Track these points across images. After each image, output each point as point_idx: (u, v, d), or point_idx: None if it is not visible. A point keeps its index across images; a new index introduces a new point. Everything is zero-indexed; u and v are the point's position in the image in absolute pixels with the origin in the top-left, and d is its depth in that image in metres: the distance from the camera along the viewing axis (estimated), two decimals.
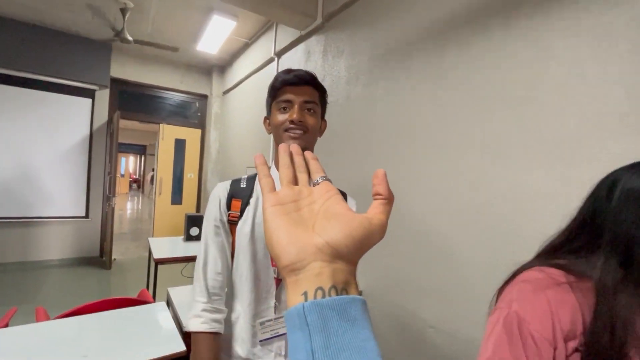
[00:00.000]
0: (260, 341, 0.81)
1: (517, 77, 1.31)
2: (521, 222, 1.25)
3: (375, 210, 0.29)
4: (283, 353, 0.83)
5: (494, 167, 1.37)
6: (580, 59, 1.12)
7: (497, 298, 0.60)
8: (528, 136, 1.26)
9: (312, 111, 0.83)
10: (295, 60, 3.07)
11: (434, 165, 1.64)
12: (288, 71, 0.83)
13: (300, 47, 3.00)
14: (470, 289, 1.42)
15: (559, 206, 1.14)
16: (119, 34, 3.31)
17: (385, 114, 1.98)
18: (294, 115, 0.79)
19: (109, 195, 4.41)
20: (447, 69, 1.61)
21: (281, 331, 0.83)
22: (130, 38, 3.34)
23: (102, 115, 4.62)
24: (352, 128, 2.24)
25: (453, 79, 1.58)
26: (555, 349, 0.50)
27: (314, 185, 0.32)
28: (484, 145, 1.42)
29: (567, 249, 0.59)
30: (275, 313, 0.83)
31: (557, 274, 0.55)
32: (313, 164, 0.34)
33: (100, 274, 4.12)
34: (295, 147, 0.35)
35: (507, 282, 0.60)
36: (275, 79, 0.83)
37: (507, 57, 1.35)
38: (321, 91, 0.87)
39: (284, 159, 0.33)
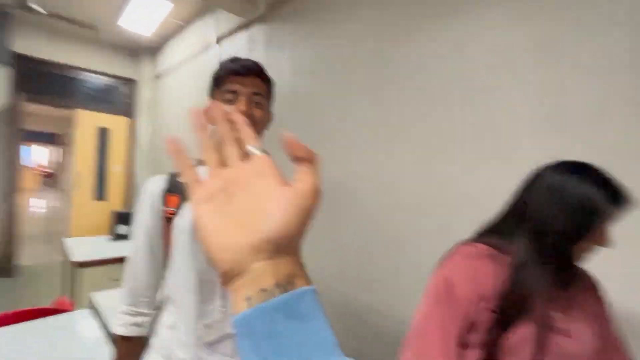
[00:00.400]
0: (206, 343, 0.77)
1: (452, 78, 1.43)
2: (458, 214, 1.38)
3: (302, 176, 0.26)
4: (231, 354, 0.79)
5: (431, 163, 1.49)
6: (511, 63, 1.27)
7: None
8: (463, 135, 1.39)
9: (259, 104, 0.79)
10: (237, 48, 2.95)
11: (378, 161, 1.72)
12: (234, 60, 0.78)
13: (243, 35, 2.88)
14: (417, 278, 1.54)
15: (491, 199, 1.28)
16: (22, 1, 2.78)
17: (329, 109, 2.01)
18: (242, 108, 0.75)
19: (10, 190, 3.78)
20: (387, 66, 1.69)
21: (228, 331, 0.79)
22: (38, 8, 2.83)
23: (1, 98, 3.90)
24: (295, 122, 2.24)
25: (393, 77, 1.66)
26: (474, 306, 0.63)
27: (247, 157, 0.27)
28: (422, 143, 1.53)
29: (497, 230, 0.73)
30: (221, 313, 0.79)
31: (484, 248, 0.69)
32: (244, 131, 0.28)
33: (4, 283, 3.53)
34: (217, 109, 0.28)
35: (448, 254, 0.74)
36: (221, 67, 0.78)
37: (442, 58, 1.46)
38: (269, 83, 0.83)
39: (204, 139, 0.28)
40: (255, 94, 0.78)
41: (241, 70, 0.76)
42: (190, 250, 0.77)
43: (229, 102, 0.77)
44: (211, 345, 0.77)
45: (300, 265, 0.24)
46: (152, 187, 0.83)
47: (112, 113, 4.75)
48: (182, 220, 0.79)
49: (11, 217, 3.76)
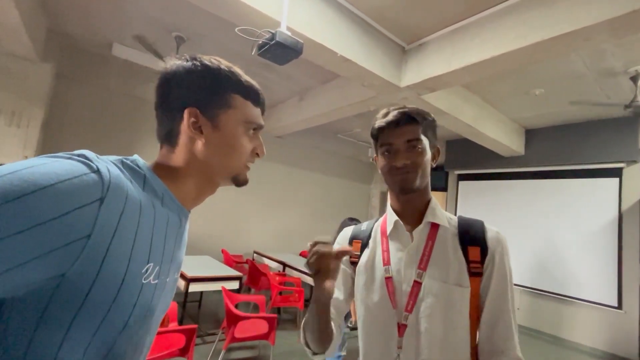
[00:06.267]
0: None
1: None
2: None
3: None
4: None
5: None
6: None
7: None
8: None
9: (416, 148, 0.77)
10: None
11: None
12: (385, 114, 0.80)
13: None
14: None
15: None
16: (631, 104, 3.04)
17: None
18: (397, 164, 0.75)
19: None
20: None
21: None
22: None
23: (632, 194, 3.97)
24: None
25: None
26: None
27: None
28: None
29: None
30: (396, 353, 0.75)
31: None
32: None
33: None
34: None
35: None
36: (373, 123, 0.81)
37: None
38: (423, 124, 0.79)
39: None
40: (409, 140, 0.77)
41: (390, 125, 0.77)
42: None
43: (387, 154, 0.79)
44: None
45: None
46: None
47: None
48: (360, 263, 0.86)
49: None
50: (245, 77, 0.60)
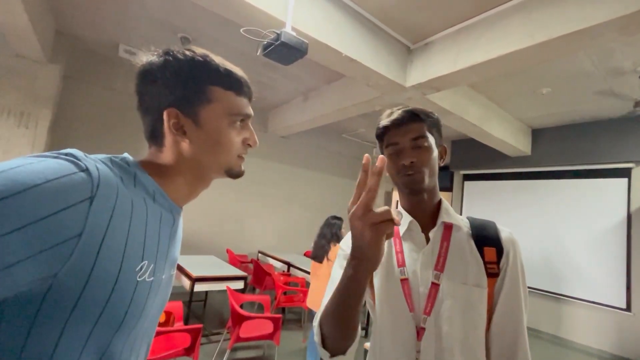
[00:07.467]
0: None
1: None
2: None
3: None
4: None
5: None
6: None
7: None
8: None
9: (422, 147, 0.76)
10: None
11: None
12: (389, 114, 0.79)
13: None
14: None
15: None
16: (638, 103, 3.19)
17: None
18: (405, 162, 0.74)
19: None
20: None
21: None
22: None
23: None
24: None
25: None
26: None
27: None
28: None
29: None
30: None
31: None
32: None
33: None
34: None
35: None
36: (378, 124, 0.81)
37: None
38: (428, 121, 0.79)
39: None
40: (415, 138, 0.76)
41: (394, 123, 0.77)
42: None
43: (394, 154, 0.77)
44: None
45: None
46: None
47: None
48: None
49: None
50: (225, 66, 0.56)
